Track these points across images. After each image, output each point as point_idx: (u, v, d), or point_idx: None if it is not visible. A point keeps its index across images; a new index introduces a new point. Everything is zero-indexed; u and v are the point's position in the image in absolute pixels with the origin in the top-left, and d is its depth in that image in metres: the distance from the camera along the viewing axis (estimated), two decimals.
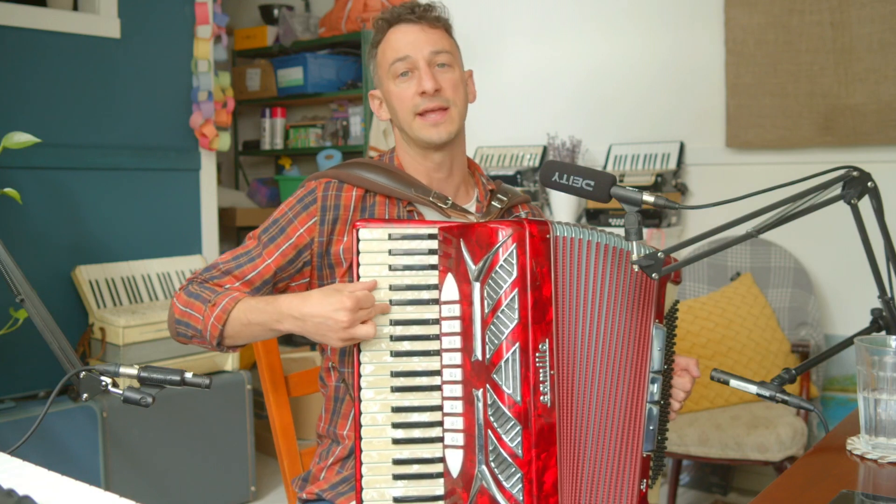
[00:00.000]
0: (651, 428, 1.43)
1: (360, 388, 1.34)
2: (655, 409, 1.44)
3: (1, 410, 2.73)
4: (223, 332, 1.45)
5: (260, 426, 3.50)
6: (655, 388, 1.44)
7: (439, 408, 1.35)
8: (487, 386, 1.30)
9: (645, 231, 3.06)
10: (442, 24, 1.56)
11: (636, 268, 1.31)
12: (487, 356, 1.30)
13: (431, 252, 1.37)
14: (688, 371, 1.55)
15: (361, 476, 1.34)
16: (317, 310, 1.34)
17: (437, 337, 1.35)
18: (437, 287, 1.36)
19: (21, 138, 2.35)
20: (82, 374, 1.27)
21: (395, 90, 1.52)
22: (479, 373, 1.31)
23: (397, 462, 1.34)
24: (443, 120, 1.50)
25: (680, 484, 3.23)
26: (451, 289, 1.34)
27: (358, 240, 1.36)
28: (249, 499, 3.23)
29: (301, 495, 1.57)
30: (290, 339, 4.15)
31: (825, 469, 1.26)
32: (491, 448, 1.29)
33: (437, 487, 1.34)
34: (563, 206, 3.37)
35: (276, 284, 1.53)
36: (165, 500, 2.98)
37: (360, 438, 1.34)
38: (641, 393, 1.43)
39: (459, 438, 1.33)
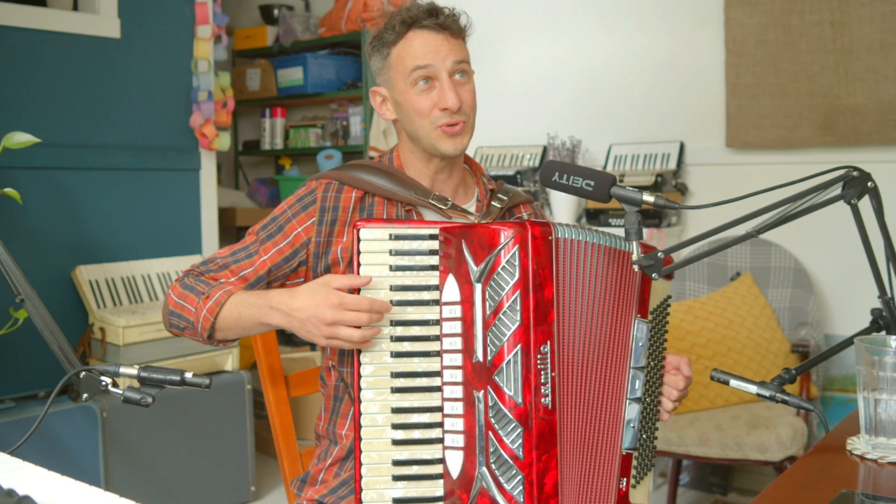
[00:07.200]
0: (632, 426, 1.41)
1: (359, 389, 1.34)
2: (638, 406, 1.42)
3: (1, 410, 2.73)
4: (214, 324, 1.45)
5: (260, 426, 3.50)
6: (638, 384, 1.42)
7: (439, 409, 1.35)
8: (488, 387, 1.30)
9: (645, 231, 3.06)
10: (464, 35, 1.52)
11: (636, 268, 1.31)
12: (489, 358, 1.30)
13: (432, 252, 1.36)
14: (679, 370, 1.52)
15: (361, 477, 1.33)
16: (302, 304, 1.34)
17: (437, 338, 1.35)
18: (437, 288, 1.36)
19: (21, 138, 2.35)
20: (82, 374, 1.27)
21: (413, 98, 1.48)
22: (479, 374, 1.31)
23: (397, 463, 1.34)
24: (460, 132, 1.49)
25: (680, 484, 3.23)
26: (452, 290, 1.34)
27: (359, 240, 1.35)
28: (249, 499, 3.23)
29: (301, 502, 1.57)
30: (290, 339, 4.15)
31: (825, 469, 1.26)
32: (492, 450, 1.29)
33: (436, 488, 1.34)
34: (563, 206, 3.37)
35: (271, 282, 1.53)
36: (165, 500, 2.98)
37: (360, 439, 1.34)
38: (621, 388, 1.41)
39: (460, 440, 1.33)
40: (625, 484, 1.41)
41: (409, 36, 1.49)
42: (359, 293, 1.35)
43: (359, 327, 1.32)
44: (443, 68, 1.47)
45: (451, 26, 1.49)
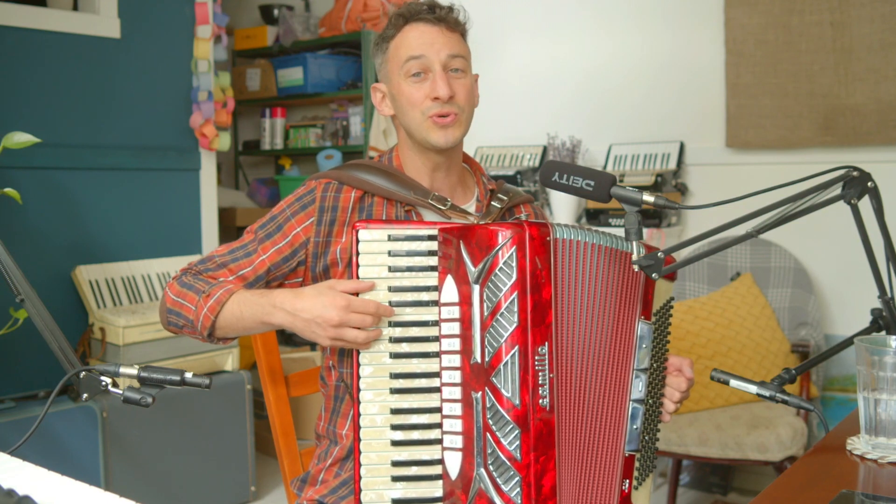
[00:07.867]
0: (635, 427, 1.41)
1: (359, 390, 1.34)
2: (640, 408, 1.42)
3: (1, 410, 2.73)
4: (215, 323, 1.45)
5: (260, 426, 3.50)
6: (641, 385, 1.42)
7: (438, 410, 1.34)
8: (486, 389, 1.30)
9: (645, 231, 3.06)
10: (461, 29, 1.53)
11: (636, 268, 1.31)
12: (486, 359, 1.30)
13: (431, 253, 1.36)
14: (681, 372, 1.52)
15: (360, 477, 1.33)
16: (308, 305, 1.35)
17: (436, 339, 1.35)
18: (436, 289, 1.36)
19: (21, 138, 2.35)
20: (82, 374, 1.27)
21: (407, 89, 1.50)
22: (478, 375, 1.31)
23: (396, 464, 1.34)
24: (452, 124, 1.49)
25: (680, 484, 3.23)
26: (450, 290, 1.34)
27: (357, 241, 1.35)
28: (249, 499, 3.23)
29: (301, 502, 1.57)
30: (290, 339, 4.15)
31: (825, 469, 1.26)
32: (489, 451, 1.29)
33: (435, 489, 1.34)
34: (563, 206, 3.37)
35: (269, 282, 1.53)
36: (165, 500, 2.98)
37: (360, 440, 1.34)
38: (624, 390, 1.41)
39: (458, 441, 1.33)
40: (627, 485, 1.41)
41: (406, 29, 1.51)
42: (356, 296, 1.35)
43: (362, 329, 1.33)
44: (436, 60, 1.48)
45: (446, 19, 1.51)
